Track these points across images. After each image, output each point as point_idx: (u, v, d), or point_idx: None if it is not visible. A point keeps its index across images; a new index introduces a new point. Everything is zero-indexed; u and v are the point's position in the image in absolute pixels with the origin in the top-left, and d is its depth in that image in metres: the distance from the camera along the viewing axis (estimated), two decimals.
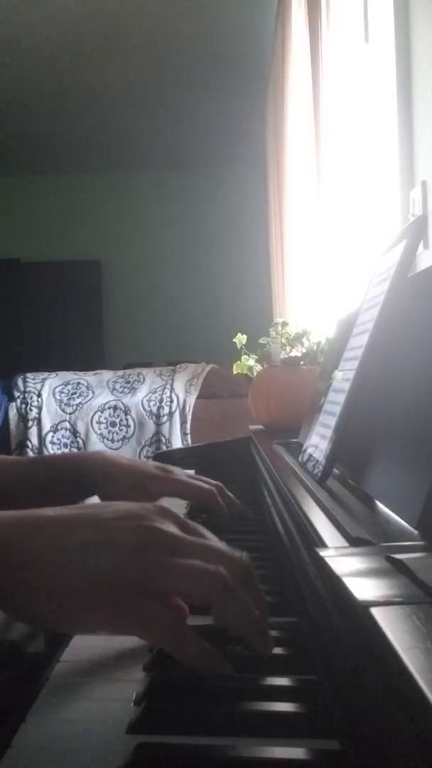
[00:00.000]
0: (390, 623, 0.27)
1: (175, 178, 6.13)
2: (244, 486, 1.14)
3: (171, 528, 0.44)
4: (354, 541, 0.42)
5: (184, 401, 3.01)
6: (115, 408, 3.03)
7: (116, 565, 0.41)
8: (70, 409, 3.06)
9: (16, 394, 3.11)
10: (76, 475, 0.76)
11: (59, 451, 3.03)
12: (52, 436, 3.04)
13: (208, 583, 0.41)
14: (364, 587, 0.31)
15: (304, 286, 2.69)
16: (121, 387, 3.12)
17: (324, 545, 0.42)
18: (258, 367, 1.50)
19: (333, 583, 0.34)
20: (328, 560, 0.37)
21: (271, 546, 0.74)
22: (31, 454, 3.03)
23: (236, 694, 0.40)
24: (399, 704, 0.25)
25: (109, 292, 6.20)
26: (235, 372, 1.54)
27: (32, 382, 3.15)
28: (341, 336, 0.86)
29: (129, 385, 3.12)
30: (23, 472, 0.78)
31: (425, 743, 0.22)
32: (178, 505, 0.96)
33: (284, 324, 1.48)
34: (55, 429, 3.04)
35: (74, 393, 3.10)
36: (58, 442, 3.04)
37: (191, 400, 3.02)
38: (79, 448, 3.02)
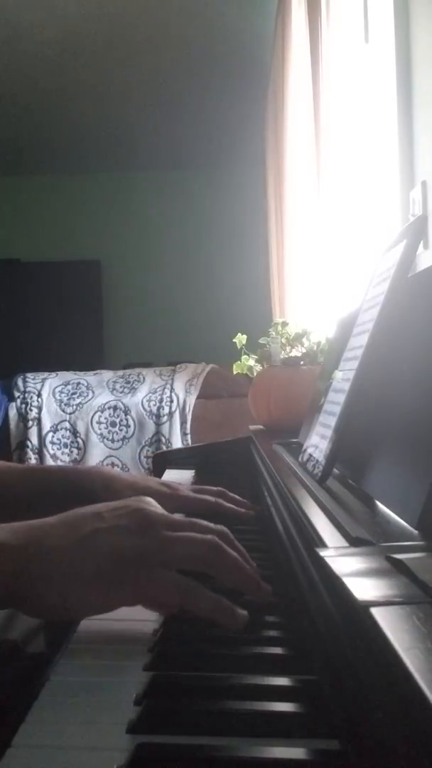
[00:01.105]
0: (390, 623, 0.27)
1: (175, 178, 6.12)
2: (244, 486, 1.14)
3: (160, 510, 0.52)
4: (354, 541, 0.42)
5: (184, 401, 3.01)
6: (115, 408, 3.03)
7: (126, 545, 0.47)
8: (70, 409, 3.06)
9: (16, 394, 3.11)
10: (77, 488, 0.76)
11: (59, 451, 3.03)
12: (52, 436, 3.04)
13: (205, 547, 0.49)
14: (364, 587, 0.31)
15: (304, 286, 2.69)
16: (121, 387, 3.12)
17: (324, 545, 0.42)
18: (258, 367, 1.50)
19: (333, 583, 0.34)
20: (328, 560, 0.37)
21: (271, 546, 0.74)
22: (31, 454, 3.03)
23: (236, 694, 0.40)
24: (399, 704, 0.25)
25: (109, 292, 6.20)
26: (235, 372, 1.54)
27: (32, 382, 3.15)
28: (341, 336, 0.86)
29: (129, 385, 3.12)
30: (19, 481, 0.78)
31: (425, 743, 0.22)
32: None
33: (284, 324, 1.48)
34: (55, 429, 3.04)
35: (74, 393, 3.10)
36: (58, 442, 3.04)
37: (191, 400, 3.02)
38: (79, 448, 3.02)
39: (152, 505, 0.53)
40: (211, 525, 0.53)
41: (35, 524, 0.50)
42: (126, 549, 0.47)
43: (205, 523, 0.53)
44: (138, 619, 0.52)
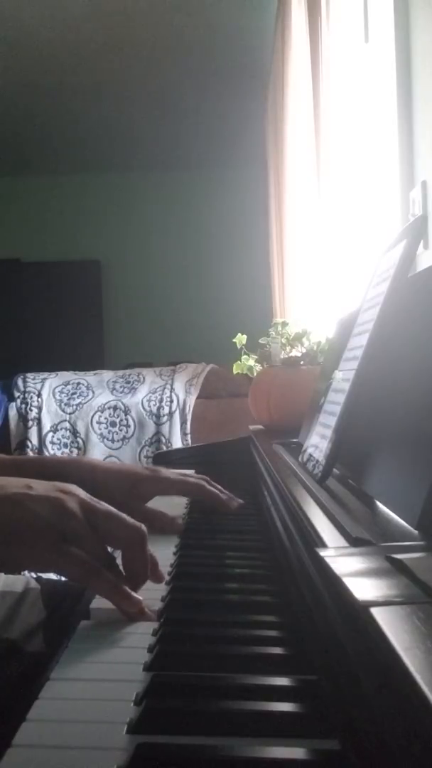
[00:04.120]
0: (390, 623, 0.27)
1: (175, 178, 6.12)
2: (244, 486, 1.14)
3: (85, 495, 0.56)
4: (354, 541, 0.42)
5: (184, 401, 3.01)
6: (115, 408, 3.03)
7: (45, 514, 0.51)
8: (70, 409, 3.06)
9: (16, 394, 3.11)
10: (63, 479, 0.76)
11: (59, 451, 3.03)
12: (52, 436, 3.04)
13: (128, 530, 0.54)
14: (364, 587, 0.31)
15: (304, 286, 2.69)
16: (121, 387, 3.12)
17: (324, 545, 0.42)
18: (258, 367, 1.50)
19: (333, 583, 0.34)
20: (328, 560, 0.37)
21: (271, 546, 0.74)
22: (31, 454, 3.03)
23: (236, 694, 0.40)
24: (399, 704, 0.25)
25: (109, 292, 6.20)
26: (235, 372, 1.54)
27: (32, 382, 3.15)
28: (341, 336, 0.86)
29: (129, 385, 3.12)
30: (3, 471, 0.78)
31: (425, 743, 0.22)
32: (177, 504, 0.96)
33: (284, 324, 1.48)
34: (55, 429, 3.04)
35: (74, 393, 3.10)
36: (58, 442, 3.04)
37: (191, 400, 3.02)
38: (79, 449, 3.02)
39: (80, 492, 0.56)
40: (129, 521, 0.55)
41: None
42: (40, 518, 0.51)
43: (123, 517, 0.56)
44: (138, 619, 0.52)
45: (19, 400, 3.09)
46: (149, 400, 3.02)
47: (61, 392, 3.11)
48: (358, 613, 0.29)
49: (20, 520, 0.51)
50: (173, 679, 0.43)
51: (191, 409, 3.00)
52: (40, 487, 0.54)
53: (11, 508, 0.51)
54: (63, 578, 0.59)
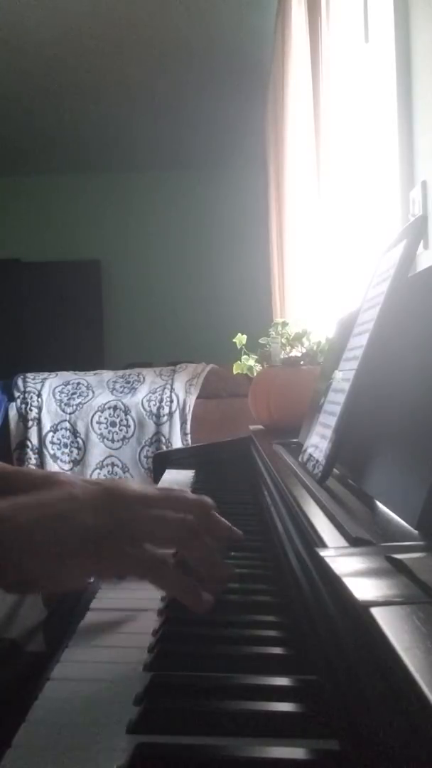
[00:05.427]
0: (390, 623, 0.27)
1: (175, 178, 6.12)
2: (244, 486, 1.14)
3: (135, 486, 0.52)
4: (354, 541, 0.42)
5: (184, 401, 3.01)
6: (115, 408, 3.03)
7: (94, 524, 0.48)
8: (70, 409, 3.06)
9: (16, 394, 3.11)
10: (25, 492, 0.74)
11: (59, 451, 3.03)
12: (52, 436, 3.04)
13: (176, 528, 0.49)
14: (364, 587, 0.31)
15: (304, 286, 2.69)
16: (121, 387, 3.12)
17: (324, 545, 0.42)
18: (258, 367, 1.50)
19: (333, 583, 0.34)
20: (328, 560, 0.37)
21: (271, 546, 0.74)
22: (31, 454, 3.03)
23: (236, 694, 0.40)
24: (399, 704, 0.25)
25: (109, 292, 6.20)
26: (235, 372, 1.54)
27: (32, 382, 3.15)
28: (341, 336, 0.86)
29: (129, 385, 3.12)
30: None
31: (425, 743, 0.22)
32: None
33: (284, 324, 1.48)
34: (55, 429, 3.04)
35: (74, 393, 3.10)
36: (58, 442, 3.04)
37: (191, 400, 3.02)
38: (79, 449, 3.02)
39: (127, 484, 0.53)
40: (190, 497, 0.52)
41: (10, 500, 0.51)
42: (93, 528, 0.48)
43: (183, 495, 0.53)
44: (138, 619, 0.52)
45: (19, 400, 3.09)
46: (149, 400, 3.02)
47: (61, 392, 3.11)
48: (358, 613, 0.29)
49: (73, 535, 0.48)
50: (173, 679, 0.43)
51: (191, 409, 3.00)
52: (85, 495, 0.51)
53: (62, 527, 0.48)
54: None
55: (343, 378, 0.70)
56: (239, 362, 1.52)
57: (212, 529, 0.52)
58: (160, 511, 0.50)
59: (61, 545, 0.47)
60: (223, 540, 0.52)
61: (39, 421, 3.04)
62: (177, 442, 2.94)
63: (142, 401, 3.02)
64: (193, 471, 1.32)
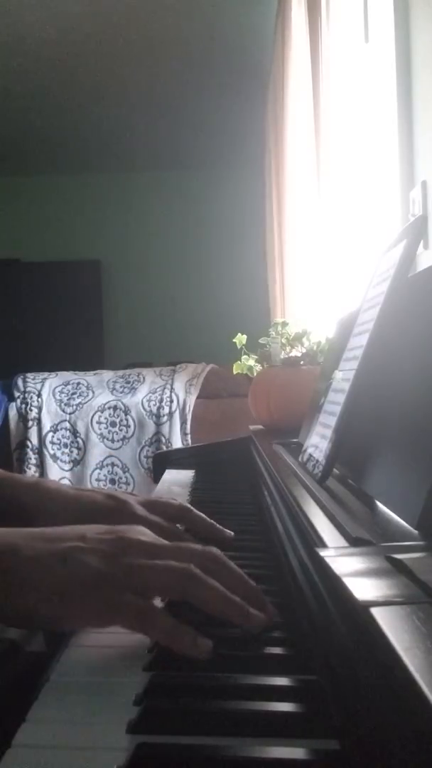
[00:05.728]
0: (390, 623, 0.27)
1: (175, 178, 6.12)
2: (244, 486, 1.14)
3: (146, 536, 0.52)
4: (354, 541, 0.42)
5: (184, 401, 3.01)
6: (115, 408, 3.03)
7: (96, 569, 0.47)
8: (70, 409, 3.06)
9: (16, 394, 3.11)
10: (9, 500, 0.72)
11: (59, 451, 3.03)
12: (52, 436, 3.04)
13: (178, 577, 0.48)
14: (364, 587, 0.31)
15: (304, 286, 2.69)
16: (121, 387, 3.12)
17: (324, 545, 0.42)
18: (258, 367, 1.50)
19: (333, 583, 0.34)
20: (328, 560, 0.37)
21: (271, 546, 0.73)
22: (31, 454, 3.03)
23: (236, 694, 0.40)
24: (399, 704, 0.25)
25: (109, 292, 6.20)
26: (235, 372, 1.54)
27: (32, 382, 3.15)
28: (341, 336, 0.86)
29: (129, 385, 3.12)
30: None
31: (425, 743, 0.22)
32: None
33: (284, 324, 1.48)
34: (55, 429, 3.04)
35: (74, 393, 3.10)
36: (58, 442, 3.04)
37: (191, 400, 3.02)
38: (79, 449, 3.02)
39: (141, 533, 0.52)
40: (198, 549, 0.51)
41: (15, 532, 0.50)
42: (95, 572, 0.47)
43: (192, 547, 0.51)
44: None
45: (19, 400, 3.09)
46: (149, 400, 3.03)
47: (61, 392, 3.11)
48: (358, 613, 0.29)
49: (75, 576, 0.47)
50: (173, 679, 0.43)
51: (191, 409, 3.00)
52: (95, 537, 0.50)
53: (63, 564, 0.47)
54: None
55: (343, 378, 0.70)
56: (239, 362, 1.52)
57: (226, 582, 0.49)
58: (164, 561, 0.49)
59: (61, 585, 0.46)
60: (238, 589, 0.49)
61: (39, 421, 3.04)
62: (177, 442, 2.94)
63: (142, 401, 3.02)
64: (193, 471, 1.32)
